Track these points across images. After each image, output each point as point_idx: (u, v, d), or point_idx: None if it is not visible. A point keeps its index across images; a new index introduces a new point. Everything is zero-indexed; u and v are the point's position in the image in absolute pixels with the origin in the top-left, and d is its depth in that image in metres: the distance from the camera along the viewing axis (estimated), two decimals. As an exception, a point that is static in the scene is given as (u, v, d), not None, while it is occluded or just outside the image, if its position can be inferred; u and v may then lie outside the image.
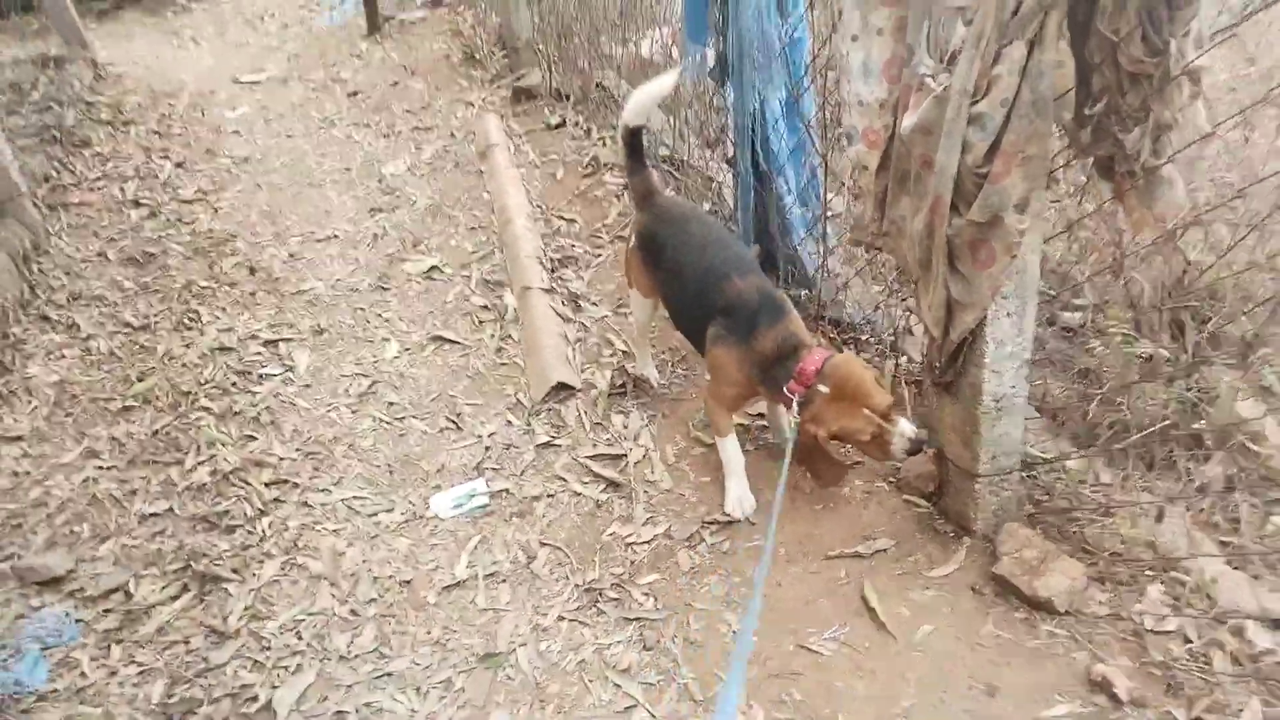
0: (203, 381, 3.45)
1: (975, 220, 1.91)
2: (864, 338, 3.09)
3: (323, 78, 6.66)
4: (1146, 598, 2.12)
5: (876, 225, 2.34)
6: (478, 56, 6.50)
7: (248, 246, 4.42)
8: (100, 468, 3.10)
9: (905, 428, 2.24)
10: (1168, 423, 2.43)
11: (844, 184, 2.94)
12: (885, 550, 2.35)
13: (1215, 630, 2.04)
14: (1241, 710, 1.89)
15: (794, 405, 2.30)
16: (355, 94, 6.26)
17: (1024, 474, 2.33)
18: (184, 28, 8.32)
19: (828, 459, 2.36)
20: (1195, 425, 2.51)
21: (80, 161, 5.38)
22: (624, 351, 3.32)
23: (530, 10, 5.89)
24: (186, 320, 3.86)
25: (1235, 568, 2.17)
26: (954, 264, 2.02)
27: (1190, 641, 2.02)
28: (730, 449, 2.59)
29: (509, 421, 3.07)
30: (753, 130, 3.17)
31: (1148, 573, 2.18)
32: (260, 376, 3.46)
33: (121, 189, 5.05)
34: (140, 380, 3.49)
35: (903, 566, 2.32)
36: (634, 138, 2.83)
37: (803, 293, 3.30)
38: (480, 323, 3.62)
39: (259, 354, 3.60)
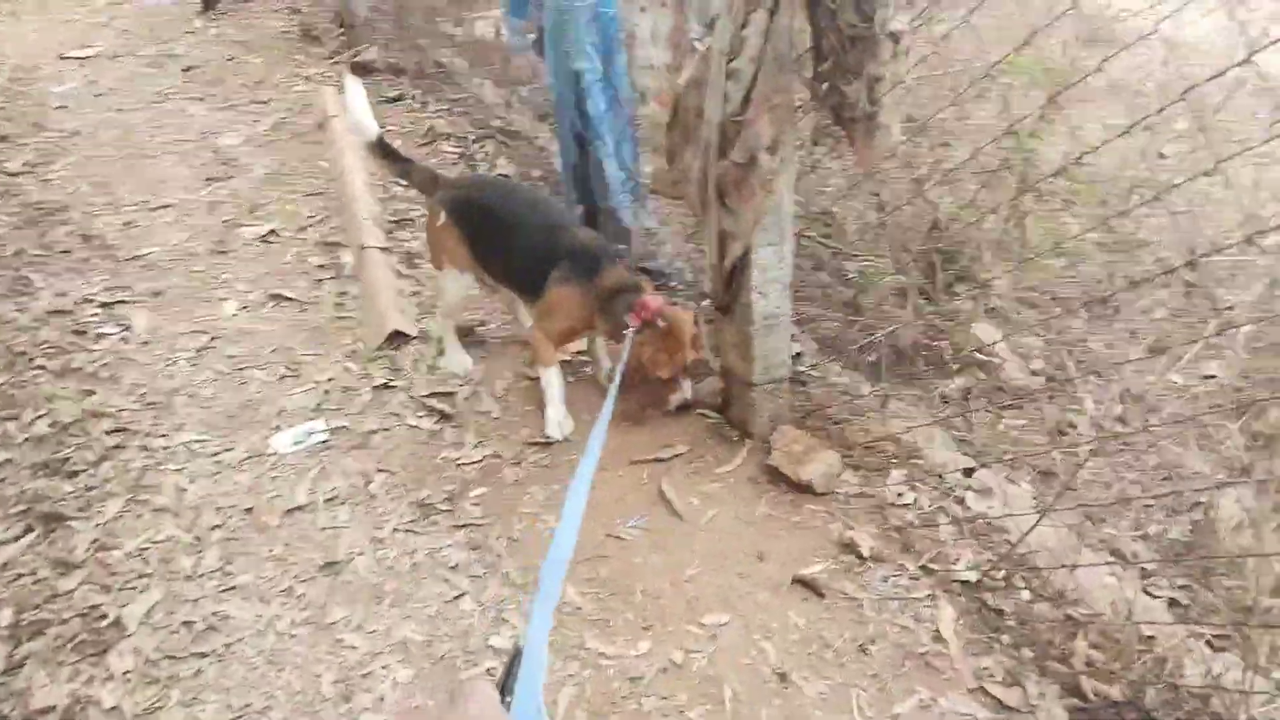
0: (38, 343, 3.49)
1: (737, 160, 2.27)
2: (674, 284, 3.45)
3: (155, 53, 6.57)
4: (889, 479, 2.56)
5: (671, 175, 2.69)
6: (315, 34, 6.57)
7: (80, 216, 4.41)
8: (-67, 426, 3.13)
9: (686, 387, 2.76)
10: (913, 341, 2.88)
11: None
12: (681, 454, 2.71)
13: (942, 500, 2.49)
14: (958, 559, 2.34)
15: (628, 333, 2.61)
16: (190, 69, 6.22)
17: (794, 384, 2.74)
18: (1, 1, 7.96)
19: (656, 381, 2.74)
20: (940, 344, 2.98)
21: (-107, 135, 5.18)
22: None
23: (368, -11, 6.03)
24: (18, 287, 3.86)
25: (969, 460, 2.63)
26: (723, 200, 2.38)
27: (921, 509, 2.46)
28: (553, 377, 2.86)
29: (347, 368, 3.28)
30: (571, 98, 3.48)
31: (893, 461, 2.62)
32: (98, 335, 3.53)
33: (-59, 162, 4.92)
34: (-29, 344, 3.50)
35: (695, 467, 2.69)
36: (381, 148, 3.08)
37: (621, 246, 3.64)
38: (319, 281, 3.80)
39: (95, 315, 3.66)
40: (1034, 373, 3.01)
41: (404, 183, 3.02)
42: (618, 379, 2.32)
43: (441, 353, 3.22)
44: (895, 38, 2.07)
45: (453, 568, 2.46)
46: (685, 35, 2.41)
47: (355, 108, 3.01)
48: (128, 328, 3.57)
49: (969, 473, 2.51)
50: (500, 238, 2.87)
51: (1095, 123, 4.02)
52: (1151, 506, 2.56)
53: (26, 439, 3.05)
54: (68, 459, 2.95)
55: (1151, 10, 1.99)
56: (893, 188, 3.11)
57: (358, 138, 2.95)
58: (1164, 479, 2.62)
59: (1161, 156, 3.27)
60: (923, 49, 3.12)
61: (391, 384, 3.18)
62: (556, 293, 2.73)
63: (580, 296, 2.72)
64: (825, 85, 2.22)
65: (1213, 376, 2.96)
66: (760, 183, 2.30)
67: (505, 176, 4.25)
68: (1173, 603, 2.22)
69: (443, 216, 2.94)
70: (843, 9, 2.05)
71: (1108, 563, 2.12)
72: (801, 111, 2.45)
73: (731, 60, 2.18)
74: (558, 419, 2.86)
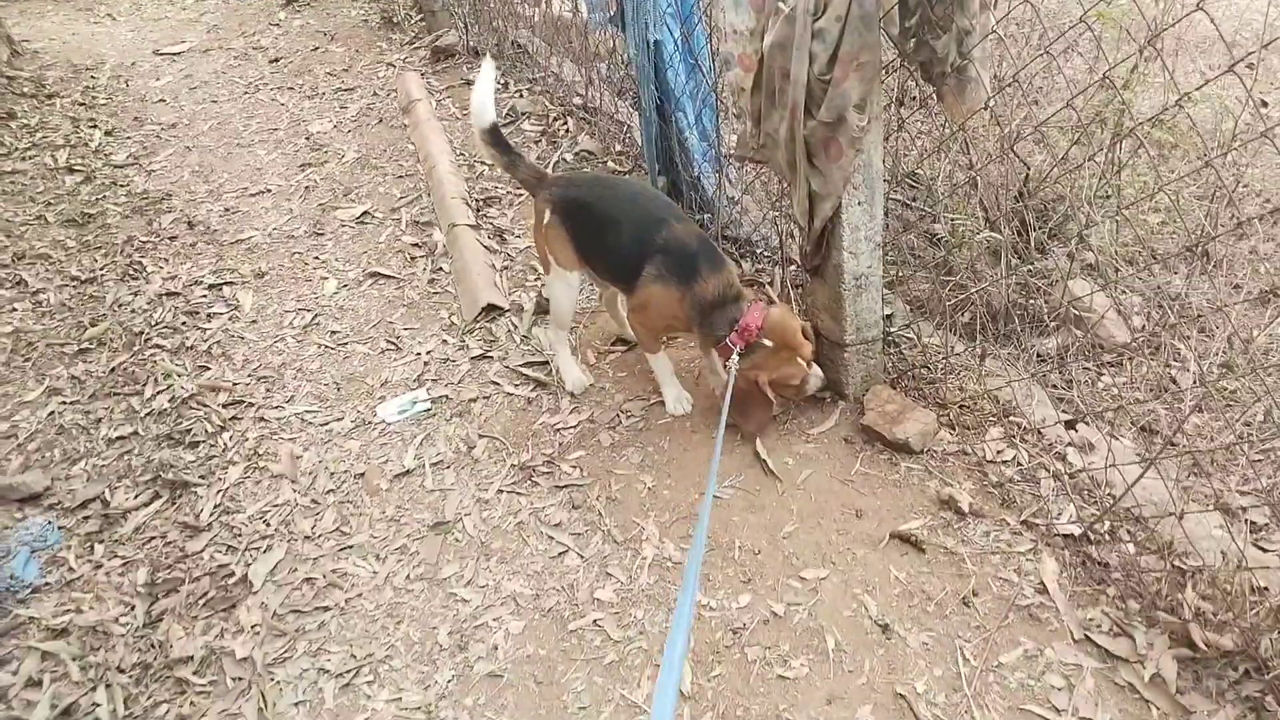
0: (153, 323, 3.70)
1: (824, 120, 2.29)
2: (758, 250, 3.47)
3: (243, 46, 6.82)
4: (988, 437, 2.56)
5: (755, 140, 2.71)
6: (396, 20, 6.72)
7: (184, 204, 4.64)
8: (64, 403, 3.34)
9: (817, 371, 2.65)
10: (1007, 300, 2.86)
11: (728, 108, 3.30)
12: (774, 416, 2.75)
13: (1043, 456, 2.48)
14: (1061, 514, 2.33)
15: (734, 354, 2.54)
16: (277, 60, 6.44)
17: (886, 345, 2.75)
18: (98, 5, 8.33)
19: (761, 402, 2.60)
20: (1036, 303, 2.95)
21: (8, 133, 5.49)
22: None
23: (445, -27, 6.14)
24: (131, 272, 4.08)
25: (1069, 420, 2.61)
26: (811, 161, 2.40)
27: (1021, 465, 2.46)
28: (661, 363, 2.85)
29: (444, 340, 3.40)
30: (651, 69, 3.52)
31: (990, 419, 2.62)
32: (208, 315, 3.72)
33: (54, 157, 5.19)
34: (93, 325, 3.72)
35: (788, 428, 2.73)
36: (493, 135, 2.90)
37: (705, 216, 3.68)
38: (412, 259, 3.93)
39: (204, 297, 3.86)
40: (1134, 329, 2.96)
41: (509, 175, 3.00)
42: (725, 416, 2.30)
43: (534, 324, 3.30)
44: (986, -11, 2.06)
45: (555, 525, 2.55)
46: (770, -1, 2.42)
47: (480, 91, 2.86)
48: (235, 307, 3.75)
49: (1071, 425, 2.49)
50: (601, 233, 2.79)
51: (1194, 74, 3.91)
52: (1261, 461, 2.51)
53: (149, 413, 3.24)
54: (189, 430, 3.13)
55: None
56: (981, 146, 3.08)
57: (474, 122, 2.88)
58: (1274, 433, 2.57)
59: (1264, 104, 3.16)
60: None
61: (488, 355, 3.28)
62: (648, 291, 2.64)
63: (673, 299, 2.61)
64: (913, 41, 2.22)
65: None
66: (848, 141, 2.31)
67: (617, 173, 4.25)
68: (1283, 556, 2.18)
69: (547, 216, 2.85)
70: (933, -38, 2.05)
71: (1216, 507, 2.09)
72: (889, 70, 2.45)
73: (817, 19, 2.20)
74: (675, 395, 2.88)
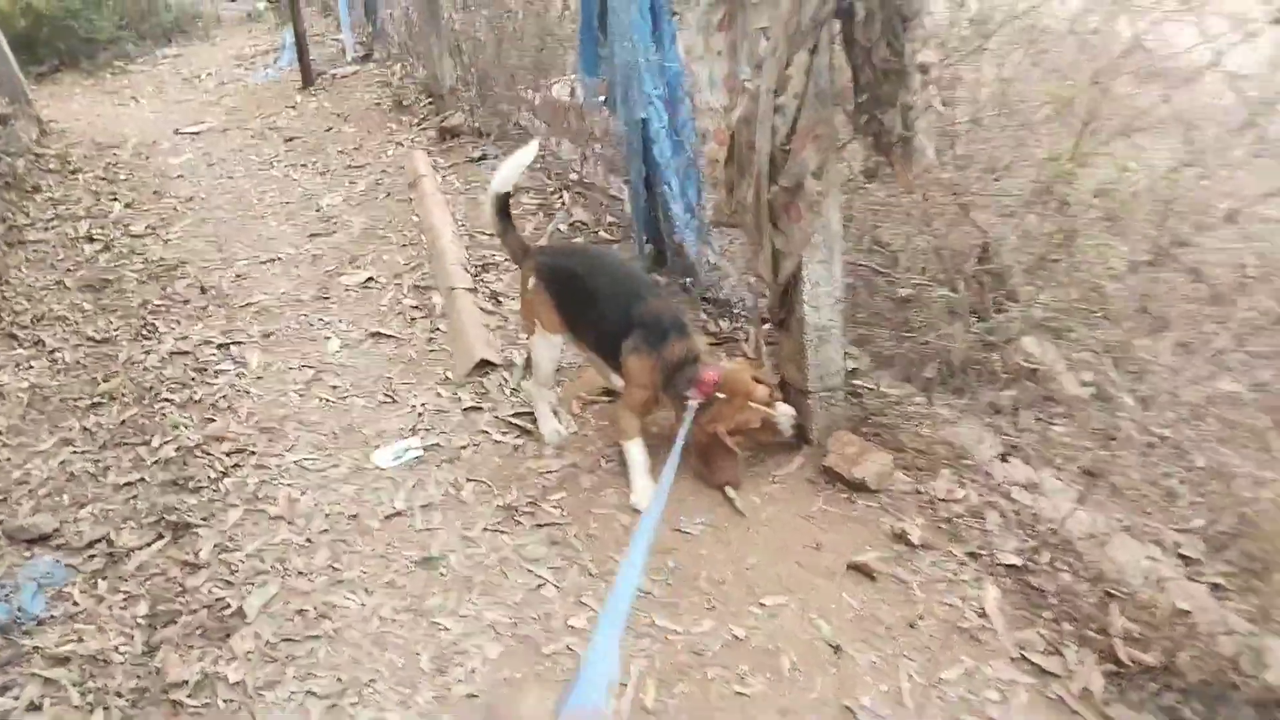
0: (164, 379, 3.90)
1: (785, 186, 2.53)
2: (736, 310, 3.69)
3: (260, 126, 7.20)
4: (940, 479, 2.73)
5: (729, 206, 2.95)
6: (405, 103, 7.12)
7: (197, 270, 4.90)
8: (75, 452, 3.52)
9: (785, 409, 2.84)
10: (964, 356, 3.06)
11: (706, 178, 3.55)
12: (743, 458, 2.92)
13: (990, 495, 2.65)
14: (1003, 549, 2.49)
15: (691, 410, 2.71)
16: (292, 139, 6.81)
17: (849, 395, 2.94)
18: (123, 88, 8.80)
19: (726, 451, 2.76)
20: (991, 358, 3.14)
21: (33, 205, 5.81)
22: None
23: (453, 61, 6.53)
24: (145, 332, 4.31)
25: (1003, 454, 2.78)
26: (775, 223, 2.64)
27: (969, 503, 2.62)
28: (635, 451, 2.89)
29: (439, 394, 3.59)
30: (639, 146, 3.80)
31: (944, 462, 2.79)
32: (216, 372, 3.93)
33: (75, 227, 5.49)
34: (106, 381, 3.93)
35: (756, 470, 2.90)
36: (503, 203, 3.14)
37: (688, 280, 3.91)
38: (412, 320, 4.15)
39: (213, 355, 4.08)
40: (1084, 383, 3.15)
41: (499, 242, 3.26)
42: (675, 457, 2.47)
43: (524, 378, 3.49)
44: (924, 69, 2.32)
45: (535, 560, 2.71)
46: (737, 78, 2.68)
47: (513, 162, 3.12)
48: (243, 365, 3.96)
49: (1004, 457, 2.66)
50: (584, 305, 2.97)
51: (1159, 153, 4.17)
52: (1199, 503, 2.67)
53: (155, 461, 3.42)
54: (192, 476, 3.30)
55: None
56: (943, 215, 3.31)
57: (492, 185, 3.14)
58: (1212, 478, 2.73)
59: (1204, 180, 3.40)
60: (969, 88, 3.36)
61: (479, 406, 3.47)
62: (628, 363, 2.83)
63: (648, 368, 2.80)
64: (865, 116, 2.47)
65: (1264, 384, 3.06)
66: (808, 205, 2.54)
67: (599, 244, 4.51)
68: (1215, 586, 2.33)
69: (532, 281, 3.05)
70: (876, 46, 2.31)
71: (1127, 529, 2.24)
72: (849, 143, 2.70)
73: (778, 96, 2.45)
74: (642, 489, 2.87)
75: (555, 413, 3.30)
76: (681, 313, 2.95)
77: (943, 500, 2.66)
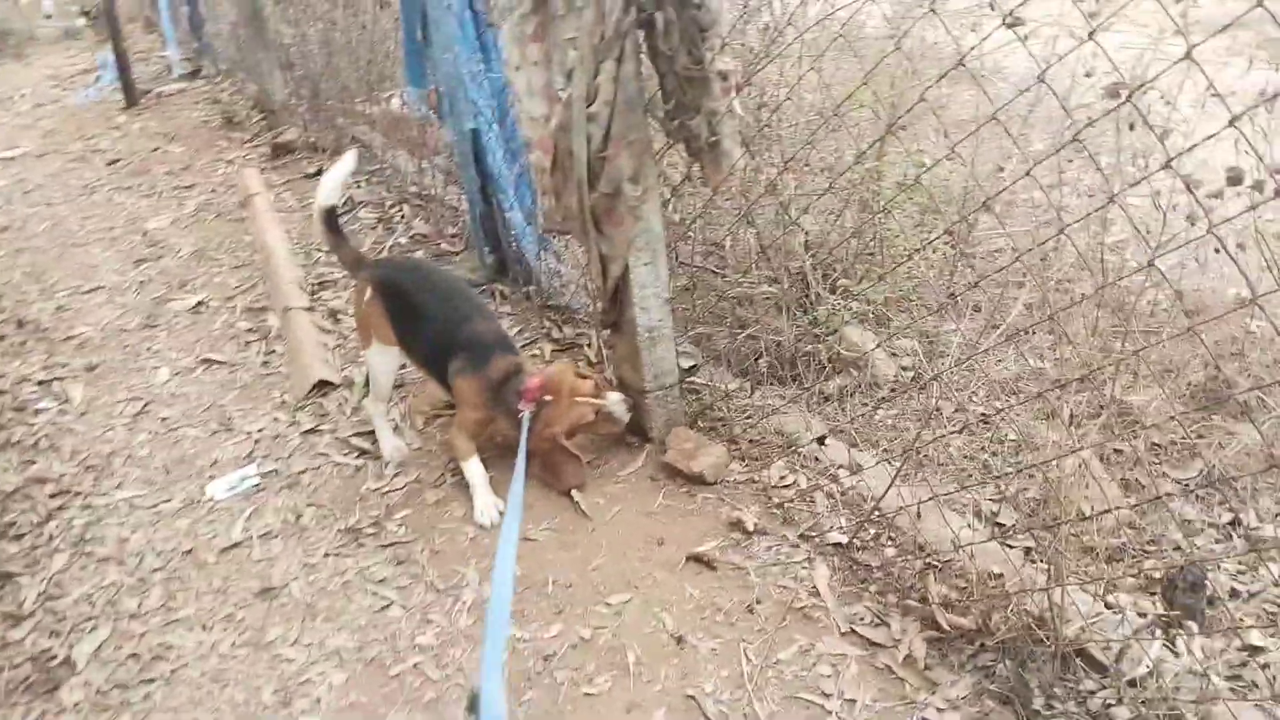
0: (-23, 421, 3.66)
1: (604, 191, 2.58)
2: (578, 316, 3.74)
3: (81, 149, 6.81)
4: (773, 467, 2.84)
5: (558, 213, 2.98)
6: (236, 120, 6.87)
7: (14, 304, 4.60)
8: (-121, 506, 3.26)
9: (615, 397, 2.87)
10: (793, 349, 3.20)
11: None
12: (588, 461, 2.96)
13: (818, 480, 2.78)
14: (832, 528, 2.62)
15: (524, 419, 2.71)
16: (115, 161, 6.46)
17: (685, 391, 3.03)
18: (-78, 111, 8.16)
19: (567, 455, 2.81)
20: (818, 349, 3.29)
21: None
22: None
23: (284, 75, 6.34)
24: (-45, 373, 4.02)
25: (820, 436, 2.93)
26: (599, 227, 2.69)
27: (800, 487, 2.75)
28: (473, 469, 2.88)
29: (276, 418, 3.49)
30: (471, 155, 3.79)
31: (776, 451, 2.91)
32: (36, 411, 3.71)
33: None
34: (-88, 427, 3.64)
35: (600, 472, 2.95)
36: (330, 216, 3.11)
37: (530, 288, 3.93)
38: (246, 343, 4.02)
39: (34, 392, 3.84)
40: (903, 368, 3.33)
41: (334, 256, 3.20)
42: (521, 467, 2.41)
43: (364, 395, 3.43)
44: (724, 76, 2.42)
45: (380, 581, 2.67)
46: (553, 88, 2.72)
47: (332, 175, 3.10)
48: (65, 400, 3.75)
49: (821, 440, 2.80)
50: (415, 321, 2.95)
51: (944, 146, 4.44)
52: (1010, 474, 2.87)
53: (-30, 510, 3.20)
54: (13, 523, 3.11)
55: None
56: (766, 215, 3.44)
57: (317, 199, 3.10)
58: (1018, 450, 2.94)
59: (1000, 170, 3.67)
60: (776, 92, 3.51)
61: (318, 428, 3.39)
62: (456, 385, 2.86)
63: (477, 387, 2.82)
64: (675, 122, 2.56)
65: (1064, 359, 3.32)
66: (627, 210, 2.61)
67: (437, 260, 4.47)
68: (1028, 550, 2.51)
69: (368, 293, 3.02)
70: (677, 55, 2.39)
71: (933, 497, 2.38)
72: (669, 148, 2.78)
73: (590, 105, 2.50)
74: (484, 506, 2.85)
75: (396, 428, 3.26)
76: (504, 332, 3.01)
77: (775, 487, 2.77)
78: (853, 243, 3.43)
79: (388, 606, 2.59)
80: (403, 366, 3.24)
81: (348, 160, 3.13)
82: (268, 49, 6.21)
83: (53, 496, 3.22)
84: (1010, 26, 1.69)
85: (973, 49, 2.18)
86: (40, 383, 3.91)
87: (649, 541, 2.65)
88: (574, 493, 2.84)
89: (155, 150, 6.61)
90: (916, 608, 2.29)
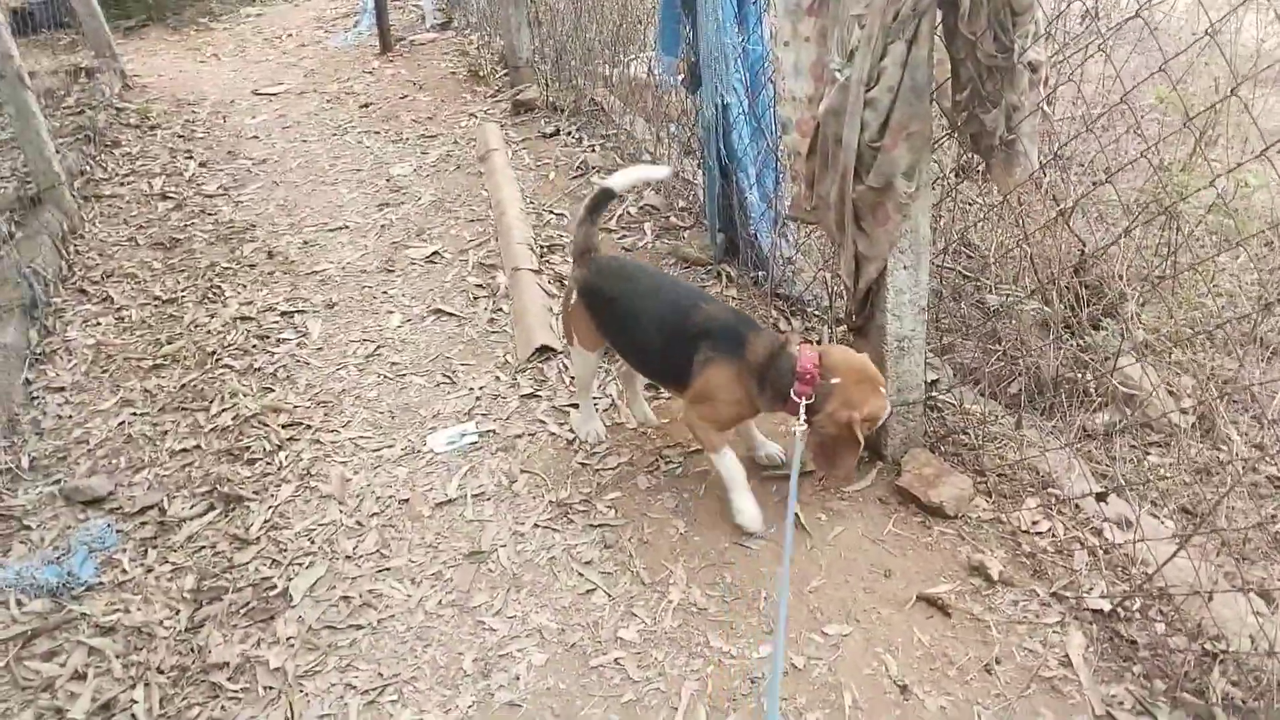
0: (226, 344, 3.88)
1: (873, 185, 2.35)
2: (809, 309, 3.52)
3: (337, 90, 7.17)
4: (1024, 507, 2.54)
5: (808, 201, 2.78)
6: (481, 74, 7.01)
7: (266, 234, 4.87)
8: (134, 414, 3.52)
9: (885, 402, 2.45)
10: (1055, 373, 2.86)
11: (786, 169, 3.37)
12: (810, 472, 2.77)
13: (1078, 530, 2.46)
14: (1092, 589, 2.30)
15: (801, 409, 2.34)
16: (367, 105, 6.75)
17: (928, 409, 2.76)
18: (205, 45, 8.85)
19: (850, 445, 2.40)
20: (1084, 377, 2.94)
21: (111, 160, 5.86)
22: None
23: (530, 33, 6.40)
24: (210, 295, 4.30)
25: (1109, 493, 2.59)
26: (859, 223, 2.46)
27: (1055, 537, 2.44)
28: (729, 463, 2.59)
29: (498, 377, 3.50)
30: (717, 130, 3.63)
31: (1029, 490, 2.60)
32: (278, 340, 3.90)
33: (149, 184, 5.52)
34: (169, 343, 3.92)
35: (823, 484, 2.74)
36: (603, 198, 2.87)
37: (760, 273, 3.74)
38: (475, 299, 4.06)
39: (276, 322, 4.04)
40: (1183, 411, 2.92)
41: (572, 227, 2.98)
42: (795, 476, 2.17)
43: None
44: (1033, 67, 2.12)
45: (586, 563, 2.60)
46: (826, 67, 2.50)
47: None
48: (304, 334, 3.92)
49: (1101, 498, 2.46)
50: (630, 327, 2.72)
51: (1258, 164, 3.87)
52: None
53: (212, 429, 3.39)
54: (248, 447, 3.26)
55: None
56: (1036, 220, 3.10)
57: (609, 180, 2.89)
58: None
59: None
60: (1069, 87, 3.13)
61: (537, 394, 3.37)
62: (707, 376, 2.50)
63: (736, 374, 2.47)
64: (964, 114, 2.28)
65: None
66: (895, 207, 2.37)
67: (679, 228, 4.38)
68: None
69: (574, 296, 2.86)
70: (981, 41, 2.12)
71: (1242, 589, 2.05)
72: (947, 141, 2.51)
73: (870, 89, 2.27)
74: (747, 508, 2.60)
75: (611, 404, 3.17)
76: (740, 311, 2.69)
77: (1025, 532, 2.47)
78: (1138, 263, 3.02)
79: (592, 591, 2.51)
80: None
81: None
82: (517, 5, 6.27)
83: (285, 427, 3.36)
84: None
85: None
86: (283, 314, 4.11)
87: (874, 571, 2.43)
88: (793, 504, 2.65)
89: (404, 98, 6.85)
90: (1191, 702, 1.96)
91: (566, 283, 2.95)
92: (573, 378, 3.38)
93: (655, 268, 3.24)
